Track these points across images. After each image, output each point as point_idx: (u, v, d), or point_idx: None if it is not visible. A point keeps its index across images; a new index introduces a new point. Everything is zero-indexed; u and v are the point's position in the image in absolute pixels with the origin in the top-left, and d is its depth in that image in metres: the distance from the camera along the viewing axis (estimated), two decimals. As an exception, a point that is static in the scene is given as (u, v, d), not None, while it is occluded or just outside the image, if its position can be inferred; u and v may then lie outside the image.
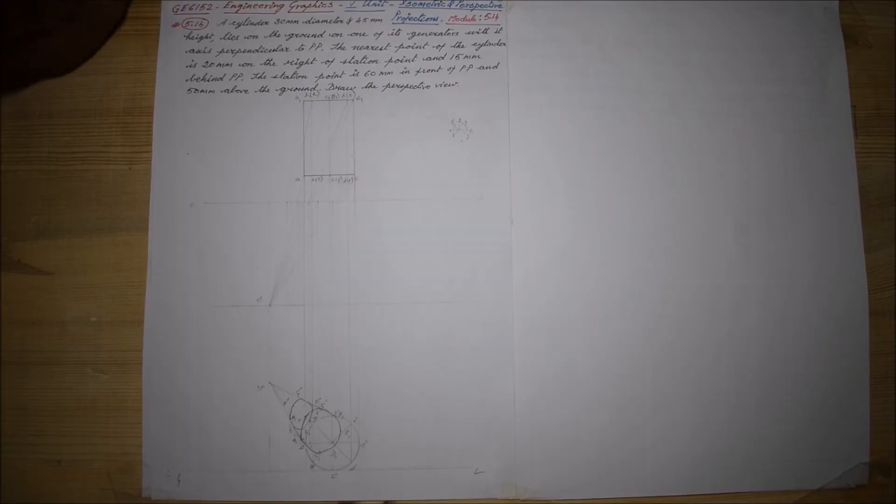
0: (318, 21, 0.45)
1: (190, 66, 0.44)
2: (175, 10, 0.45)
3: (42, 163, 0.44)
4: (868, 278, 0.43)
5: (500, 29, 0.45)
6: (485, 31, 0.45)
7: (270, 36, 0.45)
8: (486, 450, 0.42)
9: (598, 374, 0.42)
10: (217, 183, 0.44)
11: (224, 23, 0.45)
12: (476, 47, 0.45)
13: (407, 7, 0.45)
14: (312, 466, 0.42)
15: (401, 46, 0.45)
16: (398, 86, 0.44)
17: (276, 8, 0.45)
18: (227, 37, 0.45)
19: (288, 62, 0.45)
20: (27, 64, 0.39)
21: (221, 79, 0.44)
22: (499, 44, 0.45)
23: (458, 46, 0.45)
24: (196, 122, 0.44)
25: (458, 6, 0.45)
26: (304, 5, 0.45)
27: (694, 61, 0.45)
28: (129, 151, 0.44)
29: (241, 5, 0.45)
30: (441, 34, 0.45)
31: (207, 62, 0.45)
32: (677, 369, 0.43)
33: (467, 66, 0.44)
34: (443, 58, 0.45)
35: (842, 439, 0.42)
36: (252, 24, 0.45)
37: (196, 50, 0.45)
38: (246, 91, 0.44)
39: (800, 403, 0.42)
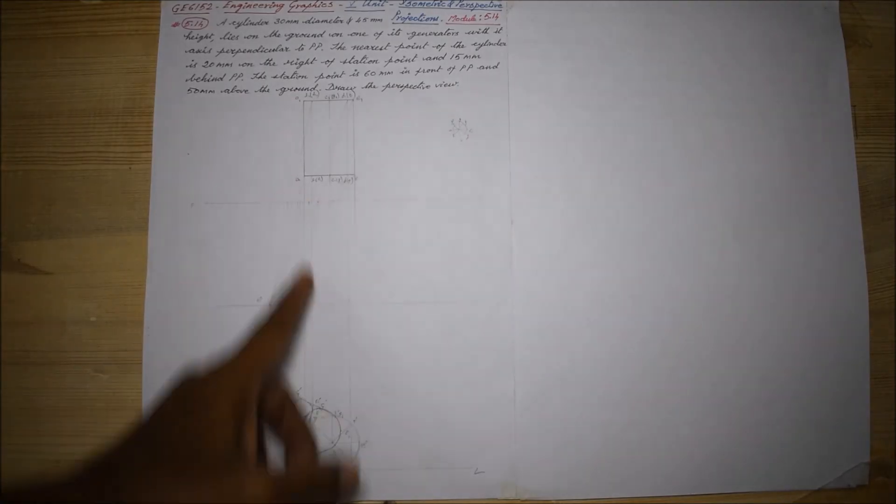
0: (318, 21, 0.45)
1: (190, 66, 0.44)
2: (175, 10, 0.45)
3: (42, 163, 0.44)
4: (868, 278, 0.43)
5: (500, 29, 0.45)
6: (485, 31, 0.45)
7: (270, 36, 0.45)
8: (486, 450, 0.42)
9: (598, 374, 0.42)
10: (217, 183, 0.43)
11: (224, 23, 0.45)
12: (476, 47, 0.45)
13: (407, 7, 0.45)
14: (312, 466, 0.42)
15: (401, 46, 0.45)
16: (398, 86, 0.44)
17: (276, 8, 0.45)
18: (227, 37, 0.45)
19: (288, 62, 0.45)
20: None
21: (221, 79, 0.44)
22: (499, 44, 0.45)
23: (458, 46, 0.45)
24: (196, 122, 0.44)
25: (458, 6, 0.45)
26: (304, 5, 0.45)
27: (694, 61, 0.45)
28: (129, 151, 0.44)
29: (241, 5, 0.45)
30: (441, 34, 0.45)
31: (207, 62, 0.45)
32: (677, 369, 0.42)
33: (467, 66, 0.44)
34: (443, 58, 0.45)
35: (842, 439, 0.42)
36: (252, 24, 0.45)
37: (196, 50, 0.45)
38: (246, 91, 0.44)
39: (800, 403, 0.42)
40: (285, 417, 0.37)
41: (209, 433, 0.31)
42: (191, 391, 0.33)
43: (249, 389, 0.33)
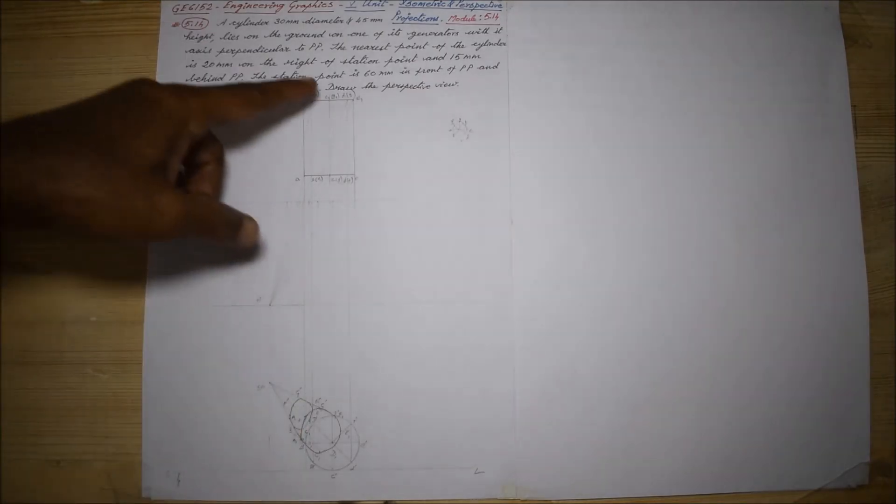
0: (318, 21, 0.45)
1: (190, 66, 0.44)
2: (175, 9, 0.45)
3: (42, 163, 0.44)
4: (868, 278, 0.43)
5: (500, 29, 0.45)
6: (485, 31, 0.45)
7: (270, 36, 0.45)
8: (486, 450, 0.42)
9: (599, 374, 0.42)
10: (217, 183, 0.43)
11: (224, 23, 0.45)
12: (476, 47, 0.45)
13: (407, 7, 0.45)
14: (312, 466, 0.42)
15: (401, 46, 0.45)
16: (398, 86, 0.44)
17: (276, 8, 0.45)
18: (227, 37, 0.45)
19: (288, 62, 0.45)
20: None
21: (221, 79, 0.44)
22: (499, 44, 0.45)
23: (458, 46, 0.45)
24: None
25: (458, 6, 0.45)
26: (304, 5, 0.45)
27: (694, 61, 0.45)
28: (129, 151, 0.44)
29: (241, 5, 0.45)
30: (441, 34, 0.45)
31: (207, 62, 0.45)
32: (677, 369, 0.42)
33: (467, 66, 0.44)
34: (443, 58, 0.45)
35: (842, 439, 0.42)
36: (252, 24, 0.45)
37: (196, 50, 0.45)
38: (246, 91, 0.44)
39: (800, 403, 0.42)
40: (205, 170, 0.39)
41: (143, 141, 0.32)
42: (141, 96, 0.34)
43: (190, 126, 0.35)
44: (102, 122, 0.32)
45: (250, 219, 0.39)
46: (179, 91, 0.35)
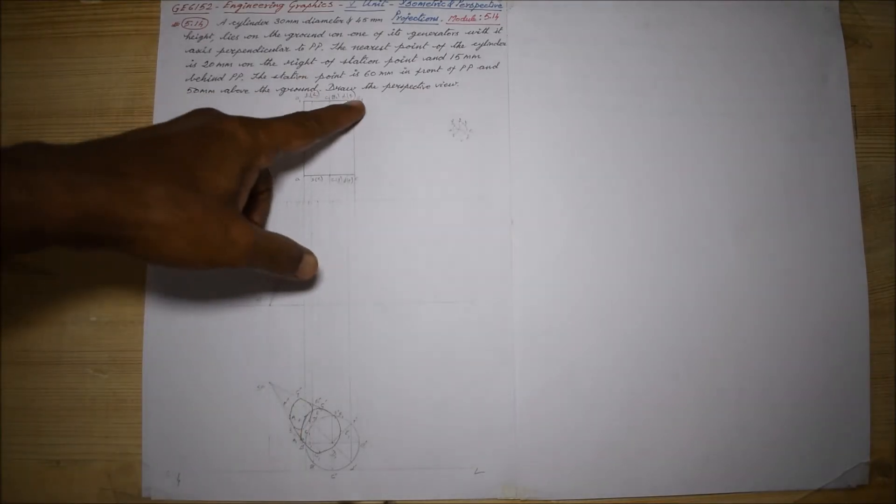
0: (318, 21, 0.45)
1: (190, 66, 0.44)
2: (175, 9, 0.45)
3: (42, 163, 0.44)
4: (868, 278, 0.43)
5: (500, 29, 0.45)
6: (485, 31, 0.45)
7: (270, 36, 0.45)
8: (486, 450, 0.42)
9: (599, 375, 0.42)
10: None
11: (224, 23, 0.45)
12: (476, 47, 0.45)
13: (407, 7, 0.45)
14: (312, 466, 0.42)
15: (401, 46, 0.45)
16: (398, 86, 0.44)
17: (276, 8, 0.45)
18: (227, 37, 0.45)
19: (288, 62, 0.45)
20: None
21: (221, 79, 0.44)
22: (499, 44, 0.45)
23: (458, 46, 0.45)
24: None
25: (458, 6, 0.45)
26: (304, 5, 0.45)
27: (694, 61, 0.45)
28: (129, 151, 0.44)
29: (241, 5, 0.45)
30: (441, 34, 0.45)
31: (207, 62, 0.45)
32: (677, 369, 0.42)
33: (467, 66, 0.44)
34: (443, 58, 0.45)
35: (842, 439, 0.42)
36: (252, 24, 0.45)
37: (196, 50, 0.45)
38: (246, 91, 0.44)
39: (800, 403, 0.42)
40: (260, 199, 0.41)
41: (218, 173, 0.33)
42: (215, 129, 0.35)
43: (260, 160, 0.36)
44: (180, 152, 0.32)
45: (310, 253, 0.39)
46: (249, 125, 0.36)
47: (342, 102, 0.44)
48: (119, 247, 0.31)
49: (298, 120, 0.39)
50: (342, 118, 0.42)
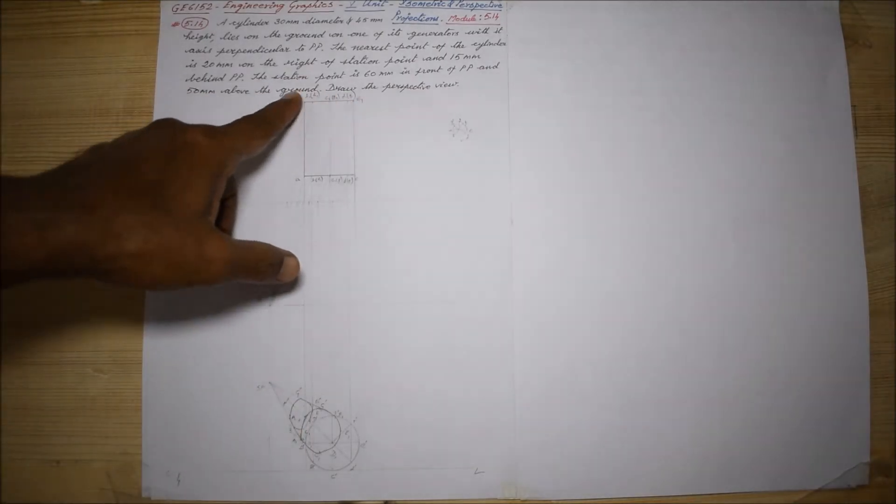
0: (318, 21, 0.45)
1: (190, 66, 0.44)
2: (175, 9, 0.45)
3: (42, 163, 0.44)
4: (868, 278, 0.43)
5: (500, 29, 0.45)
6: (485, 31, 0.45)
7: (270, 36, 0.45)
8: (486, 450, 0.42)
9: (599, 374, 0.42)
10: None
11: (224, 23, 0.45)
12: (476, 47, 0.45)
13: (407, 7, 0.45)
14: (312, 466, 0.42)
15: (401, 46, 0.45)
16: (398, 86, 0.44)
17: (276, 8, 0.45)
18: (227, 37, 0.45)
19: (288, 62, 0.45)
20: None
21: (221, 79, 0.44)
22: (499, 44, 0.45)
23: (458, 46, 0.45)
24: (196, 122, 0.44)
25: (458, 6, 0.45)
26: (304, 5, 0.45)
27: (694, 61, 0.45)
28: (129, 151, 0.44)
29: (241, 5, 0.45)
30: (441, 34, 0.45)
31: (207, 62, 0.45)
32: (677, 369, 0.42)
33: (467, 66, 0.44)
34: (443, 58, 0.45)
35: (842, 439, 0.42)
36: (252, 24, 0.45)
37: (196, 50, 0.45)
38: (246, 91, 0.44)
39: (800, 403, 0.42)
40: (227, 205, 0.41)
41: (188, 189, 0.33)
42: (177, 142, 0.34)
43: (227, 167, 0.36)
44: (147, 174, 0.32)
45: (290, 255, 0.39)
46: (212, 133, 0.35)
47: (278, 98, 0.44)
48: (96, 277, 0.31)
49: (253, 121, 0.39)
50: (286, 113, 0.42)
